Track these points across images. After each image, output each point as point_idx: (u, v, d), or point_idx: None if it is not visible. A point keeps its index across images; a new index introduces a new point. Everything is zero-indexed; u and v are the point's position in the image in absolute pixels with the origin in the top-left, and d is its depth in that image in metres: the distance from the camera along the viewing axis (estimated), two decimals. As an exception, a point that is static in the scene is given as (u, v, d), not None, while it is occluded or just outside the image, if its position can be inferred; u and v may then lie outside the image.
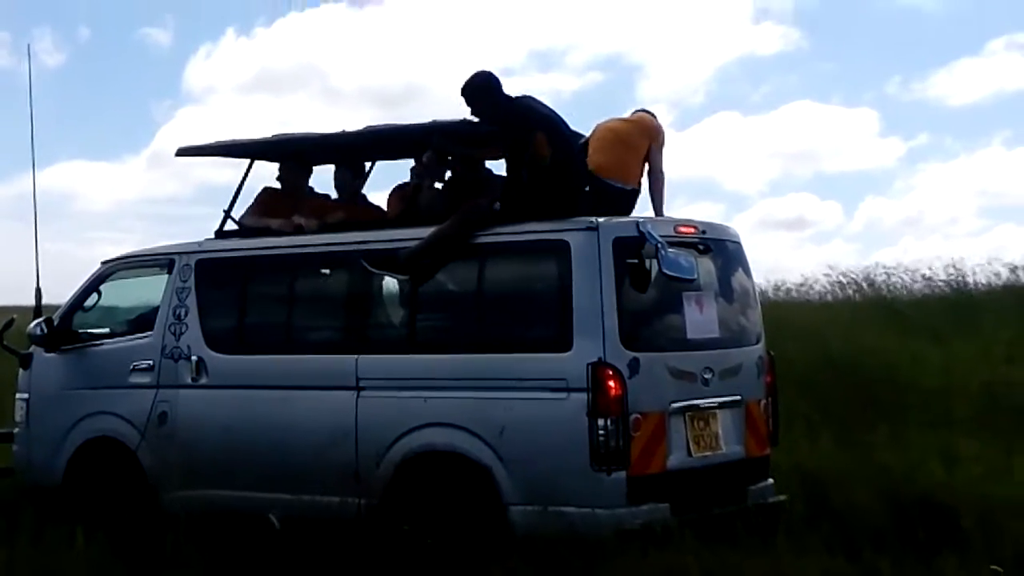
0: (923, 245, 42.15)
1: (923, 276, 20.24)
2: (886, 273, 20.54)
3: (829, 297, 20.76)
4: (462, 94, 8.30)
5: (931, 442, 10.12)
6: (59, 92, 43.32)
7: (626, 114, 8.95)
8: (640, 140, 8.71)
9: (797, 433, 10.81)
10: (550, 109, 8.40)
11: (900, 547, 7.34)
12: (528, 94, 8.39)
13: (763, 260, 39.53)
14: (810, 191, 48.10)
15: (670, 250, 7.79)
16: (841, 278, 20.81)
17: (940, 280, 20.10)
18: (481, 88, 8.28)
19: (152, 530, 8.21)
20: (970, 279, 20.04)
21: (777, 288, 20.99)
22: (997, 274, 20.04)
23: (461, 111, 8.37)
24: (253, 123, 48.28)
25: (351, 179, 9.51)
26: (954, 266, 20.13)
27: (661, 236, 7.80)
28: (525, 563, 6.99)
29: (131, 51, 46.05)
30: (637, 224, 7.82)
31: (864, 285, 20.52)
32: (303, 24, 44.81)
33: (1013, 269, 19.97)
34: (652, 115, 8.97)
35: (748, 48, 45.85)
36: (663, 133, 8.82)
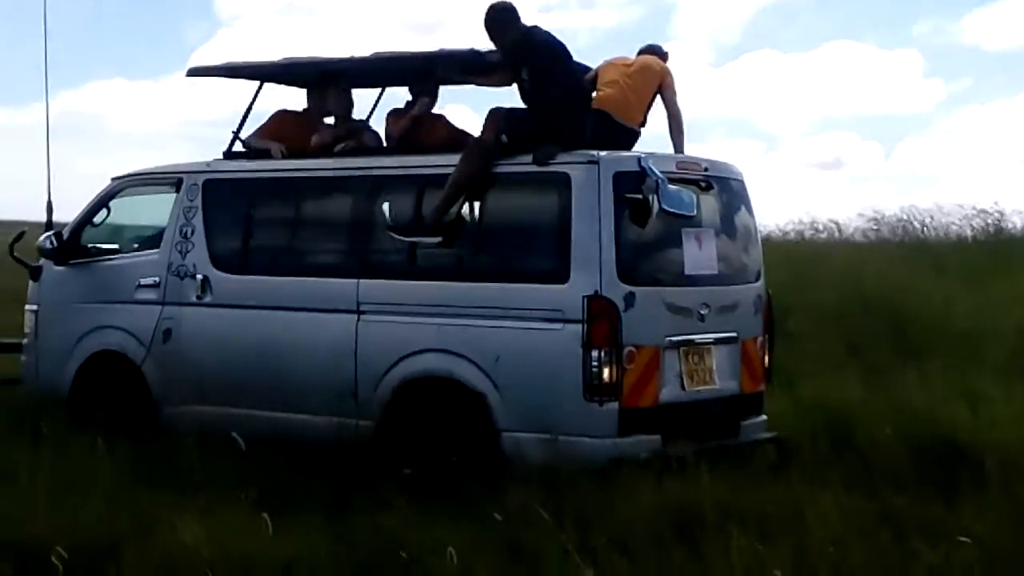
0: (961, 188, 41.81)
1: (960, 219, 20.09)
2: (922, 215, 20.41)
3: (863, 238, 20.60)
4: (484, 24, 8.29)
5: (959, 383, 10.04)
6: (97, 11, 43.16)
7: (632, 56, 8.78)
8: (645, 88, 8.57)
9: (825, 369, 10.81)
10: (560, 41, 8.39)
11: (920, 486, 7.36)
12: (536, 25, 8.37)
13: (799, 199, 39.32)
14: (849, 131, 47.59)
15: (671, 186, 7.84)
16: (877, 218, 20.70)
17: (977, 223, 19.95)
18: (502, 16, 8.28)
19: (156, 444, 8.37)
20: (1007, 222, 19.93)
21: (814, 228, 20.86)
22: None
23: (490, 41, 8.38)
24: (287, 46, 47.99)
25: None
26: (991, 209, 19.98)
27: (662, 172, 7.84)
28: (544, 497, 6.88)
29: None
30: (638, 159, 7.86)
31: (900, 226, 20.39)
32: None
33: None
34: (659, 53, 8.84)
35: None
36: (671, 74, 8.69)
